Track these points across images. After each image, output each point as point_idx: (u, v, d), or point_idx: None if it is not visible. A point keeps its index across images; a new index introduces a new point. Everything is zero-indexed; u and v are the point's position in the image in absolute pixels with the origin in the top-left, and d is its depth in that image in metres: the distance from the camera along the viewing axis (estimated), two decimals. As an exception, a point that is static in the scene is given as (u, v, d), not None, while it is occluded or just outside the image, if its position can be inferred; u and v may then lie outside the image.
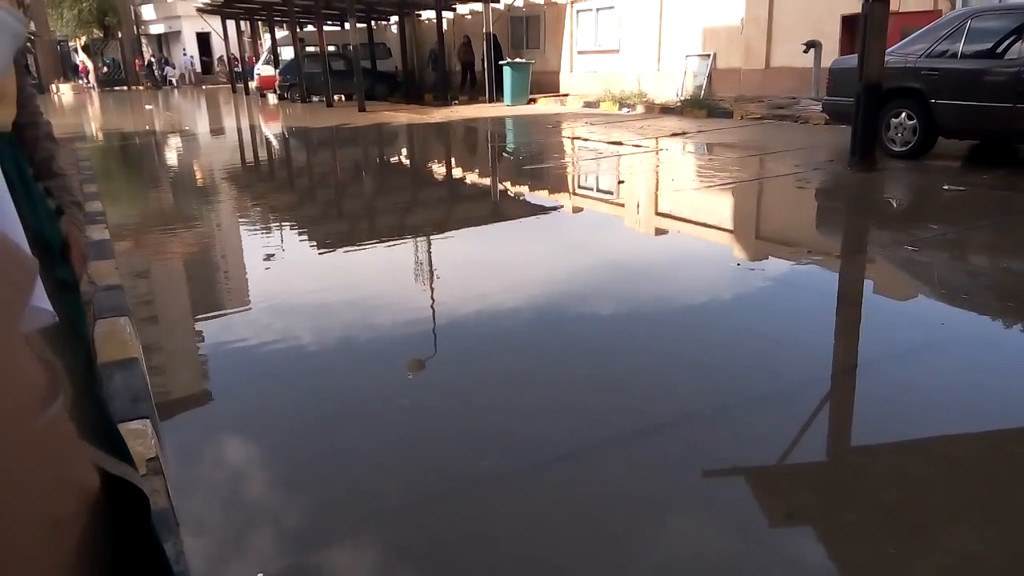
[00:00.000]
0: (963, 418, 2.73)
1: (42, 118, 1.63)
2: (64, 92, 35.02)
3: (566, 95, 18.93)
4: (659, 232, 6.02)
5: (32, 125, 1.59)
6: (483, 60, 19.45)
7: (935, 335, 3.57)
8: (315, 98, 22.12)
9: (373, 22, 25.51)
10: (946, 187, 6.88)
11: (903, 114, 7.87)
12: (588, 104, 16.82)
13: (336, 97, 20.85)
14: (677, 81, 16.24)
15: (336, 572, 2.01)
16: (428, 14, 23.49)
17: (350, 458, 2.57)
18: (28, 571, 0.28)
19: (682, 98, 15.31)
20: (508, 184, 8.53)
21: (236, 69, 30.58)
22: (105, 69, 39.50)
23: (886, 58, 7.53)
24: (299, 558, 2.03)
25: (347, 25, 19.99)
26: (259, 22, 31.15)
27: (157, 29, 42.29)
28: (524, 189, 8.03)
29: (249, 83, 29.01)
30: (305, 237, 6.19)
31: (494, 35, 19.72)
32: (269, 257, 5.52)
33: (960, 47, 7.45)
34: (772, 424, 2.71)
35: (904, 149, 7.94)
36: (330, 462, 2.55)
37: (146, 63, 39.51)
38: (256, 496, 2.34)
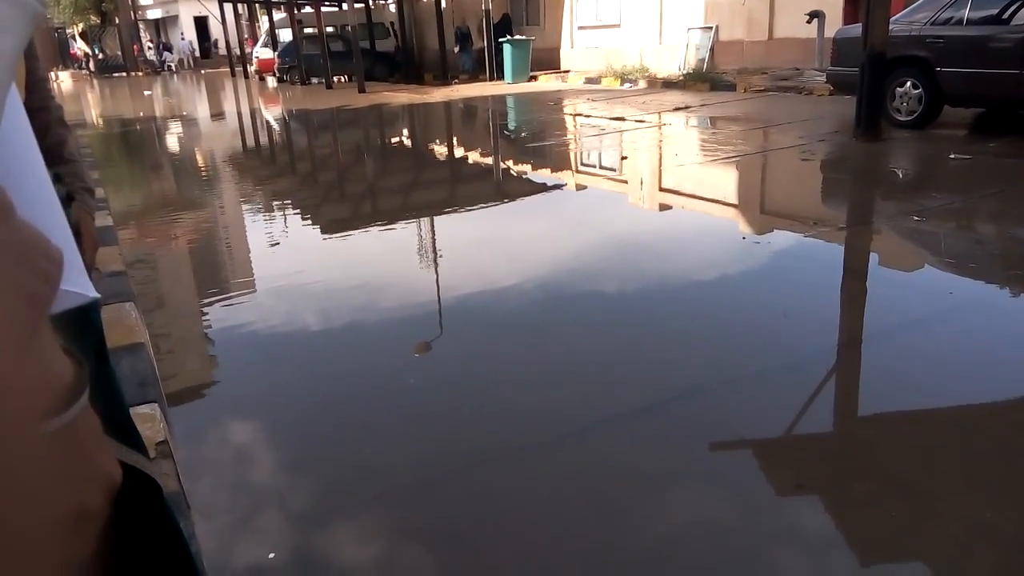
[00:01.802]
0: (972, 387, 2.72)
1: (54, 103, 1.60)
2: (63, 79, 34.90)
3: (567, 71, 18.77)
4: (664, 208, 5.99)
5: (44, 110, 1.56)
6: (484, 39, 19.26)
7: (943, 304, 3.55)
8: (314, 80, 22.01)
9: (371, 2, 25.29)
10: (952, 156, 6.82)
11: (908, 83, 7.79)
12: (589, 80, 16.69)
13: (335, 78, 20.73)
14: (679, 55, 16.08)
15: (346, 551, 2.02)
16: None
17: (358, 438, 2.58)
18: (55, 567, 0.27)
19: (684, 72, 15.17)
20: (511, 163, 8.49)
21: (235, 52, 30.39)
22: (101, 56, 39.30)
23: (890, 27, 7.43)
24: (309, 538, 2.04)
25: (345, 5, 19.83)
26: (256, 4, 30.92)
27: (155, 14, 42.06)
28: (527, 167, 7.99)
29: (248, 66, 28.87)
30: (309, 220, 6.18)
31: (506, 14, 19.53)
32: (273, 241, 5.52)
33: (965, 14, 7.34)
34: (780, 396, 2.71)
35: (910, 119, 7.86)
36: (338, 442, 2.56)
37: (156, 47, 39.40)
38: (266, 477, 2.35)
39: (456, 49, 20.60)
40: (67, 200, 1.62)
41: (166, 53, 39.07)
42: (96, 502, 0.31)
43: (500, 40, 18.22)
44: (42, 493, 0.27)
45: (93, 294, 0.55)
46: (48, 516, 0.27)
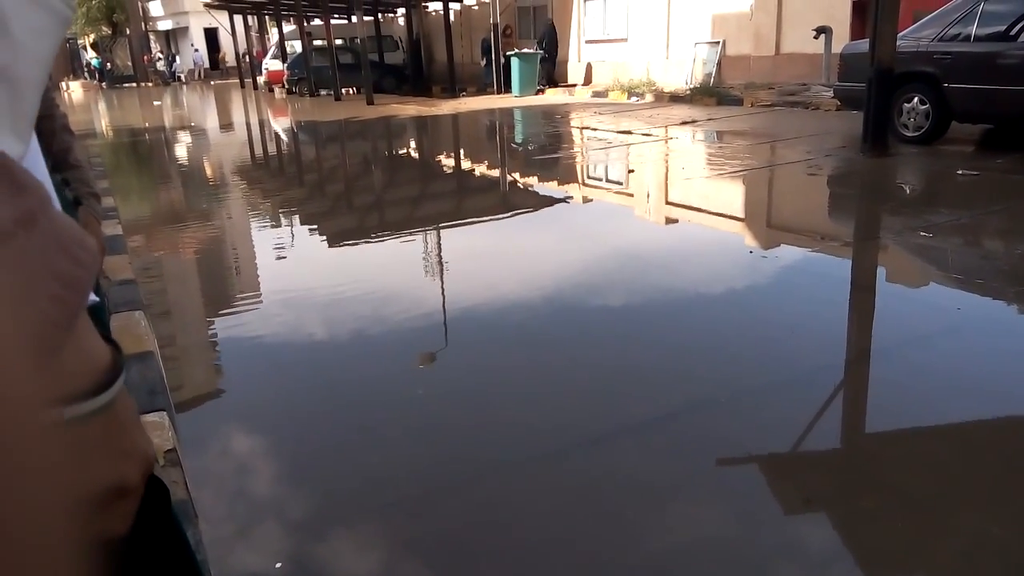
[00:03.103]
0: (980, 403, 2.71)
1: (59, 110, 1.64)
2: (74, 90, 35.20)
3: (574, 85, 18.85)
4: (670, 221, 6.00)
5: (49, 117, 1.60)
6: (492, 53, 19.29)
7: (951, 320, 3.54)
8: (323, 92, 22.14)
9: (380, 15, 25.48)
10: (960, 172, 6.82)
11: (915, 99, 7.79)
12: (597, 94, 16.75)
13: (344, 90, 20.86)
14: (686, 69, 16.14)
15: (352, 561, 2.02)
16: (435, 5, 23.45)
17: (365, 448, 2.58)
18: (93, 541, 0.28)
19: (691, 86, 15.23)
20: (518, 175, 8.52)
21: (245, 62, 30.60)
22: (109, 67, 39.70)
23: (898, 42, 7.45)
24: (316, 548, 2.04)
25: (354, 18, 19.97)
26: (266, 16, 31.20)
27: (165, 25, 42.42)
28: (534, 180, 8.01)
29: (257, 78, 29.06)
30: (316, 230, 6.20)
31: (551, 24, 19.12)
32: (280, 251, 5.54)
33: (973, 30, 7.36)
34: (787, 411, 2.70)
35: (917, 134, 7.86)
36: (345, 452, 2.56)
37: (165, 57, 39.82)
38: (272, 486, 2.36)
39: (483, 62, 20.39)
40: (74, 204, 1.64)
41: (176, 64, 39.36)
42: (134, 478, 0.32)
43: (508, 54, 18.31)
44: (82, 469, 0.28)
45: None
46: (88, 491, 0.28)
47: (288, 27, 27.17)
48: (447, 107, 16.69)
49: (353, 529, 2.14)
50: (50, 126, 1.62)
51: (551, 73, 18.96)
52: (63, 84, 35.69)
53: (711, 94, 13.87)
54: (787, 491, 2.24)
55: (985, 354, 3.16)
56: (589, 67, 19.32)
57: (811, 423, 2.61)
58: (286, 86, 24.58)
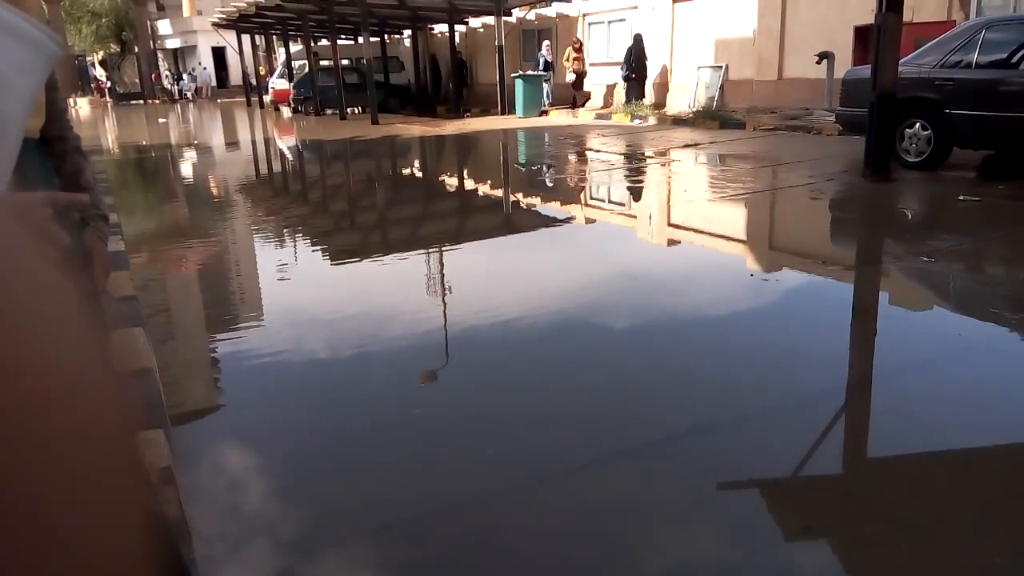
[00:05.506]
0: (981, 429, 2.69)
1: (72, 132, 1.65)
2: (81, 106, 35.46)
3: (578, 107, 18.96)
4: (672, 243, 6.01)
5: (62, 139, 1.62)
6: (497, 75, 19.41)
7: (952, 346, 3.53)
8: (329, 111, 22.29)
9: (386, 36, 25.71)
10: (961, 198, 6.83)
11: (917, 124, 7.82)
12: (600, 116, 16.84)
13: (350, 110, 21.00)
14: (689, 92, 16.24)
15: (348, 583, 2.00)
16: (441, 27, 23.69)
17: (363, 468, 2.57)
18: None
19: (694, 109, 15.31)
20: (520, 196, 8.54)
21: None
22: (110, 84, 40.14)
23: (900, 68, 7.50)
24: (310, 569, 2.02)
25: (360, 39, 20.15)
26: (274, 36, 31.47)
27: (173, 44, 42.82)
28: (536, 201, 8.03)
29: (263, 96, 29.26)
30: (319, 249, 6.21)
31: (639, 36, 17.11)
32: (283, 269, 5.54)
33: (975, 57, 7.41)
34: (788, 436, 2.69)
35: (918, 159, 7.89)
36: (343, 472, 2.54)
37: (173, 77, 40.26)
38: (268, 507, 2.34)
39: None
40: (81, 225, 1.65)
41: (183, 81, 39.73)
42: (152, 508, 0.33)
43: (513, 75, 18.43)
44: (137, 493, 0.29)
45: None
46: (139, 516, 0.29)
47: (295, 47, 27.41)
48: (451, 127, 16.78)
49: (348, 551, 2.12)
50: (62, 147, 1.64)
51: (642, 93, 16.91)
52: (71, 100, 35.97)
53: (714, 117, 13.94)
54: (787, 516, 2.22)
55: (986, 380, 3.15)
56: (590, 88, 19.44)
57: (812, 448, 2.59)
58: (292, 105, 24.74)
